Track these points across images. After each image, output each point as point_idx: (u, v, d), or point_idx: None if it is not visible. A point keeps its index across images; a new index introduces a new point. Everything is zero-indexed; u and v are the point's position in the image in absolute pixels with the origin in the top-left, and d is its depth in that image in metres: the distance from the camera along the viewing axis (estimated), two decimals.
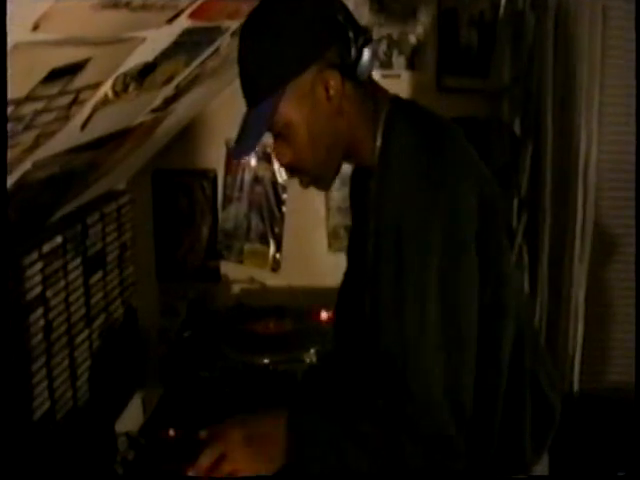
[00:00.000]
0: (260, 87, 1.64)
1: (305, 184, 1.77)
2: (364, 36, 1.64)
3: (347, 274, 2.07)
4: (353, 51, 1.62)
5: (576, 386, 3.06)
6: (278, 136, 1.69)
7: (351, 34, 1.61)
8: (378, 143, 1.68)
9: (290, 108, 1.63)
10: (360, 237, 1.87)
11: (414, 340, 1.58)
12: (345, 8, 1.67)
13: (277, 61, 1.61)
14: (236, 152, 1.77)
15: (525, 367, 1.78)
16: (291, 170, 1.75)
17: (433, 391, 1.57)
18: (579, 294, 2.99)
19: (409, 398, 1.58)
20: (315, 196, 3.05)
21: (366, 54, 1.63)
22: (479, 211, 1.62)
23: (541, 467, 1.90)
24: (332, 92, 1.62)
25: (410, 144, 1.64)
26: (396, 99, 1.75)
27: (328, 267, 3.07)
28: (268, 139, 1.72)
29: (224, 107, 2.94)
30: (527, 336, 1.80)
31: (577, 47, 2.79)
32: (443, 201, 1.58)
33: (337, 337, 2.12)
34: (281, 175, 3.06)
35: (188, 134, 3.06)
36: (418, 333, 1.57)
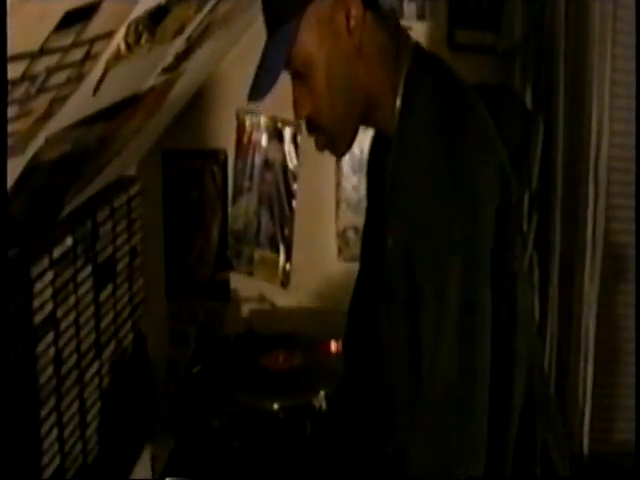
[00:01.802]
0: (281, 7, 1.62)
1: (321, 145, 1.74)
2: None
3: (360, 276, 2.03)
4: None
5: (586, 448, 2.98)
6: (296, 77, 1.67)
7: None
8: (397, 105, 1.63)
9: (309, 38, 1.60)
10: (375, 227, 1.85)
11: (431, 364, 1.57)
12: None
13: None
14: (253, 90, 1.68)
15: (536, 429, 1.74)
16: (309, 126, 1.72)
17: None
18: (590, 324, 2.91)
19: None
20: (325, 186, 3.06)
21: None
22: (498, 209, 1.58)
23: None
24: (353, 23, 1.58)
25: (431, 116, 1.59)
26: (418, 50, 1.69)
27: (339, 281, 3.02)
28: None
29: (233, 73, 2.93)
30: (539, 398, 1.77)
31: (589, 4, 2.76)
32: (462, 197, 1.53)
33: (347, 360, 2.10)
34: (291, 160, 3.07)
35: (198, 110, 3.05)
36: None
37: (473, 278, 1.53)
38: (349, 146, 1.73)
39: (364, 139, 2.79)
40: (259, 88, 1.65)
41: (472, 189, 1.53)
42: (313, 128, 1.70)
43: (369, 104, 1.66)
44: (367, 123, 1.74)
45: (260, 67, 1.63)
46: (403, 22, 2.76)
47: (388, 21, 1.65)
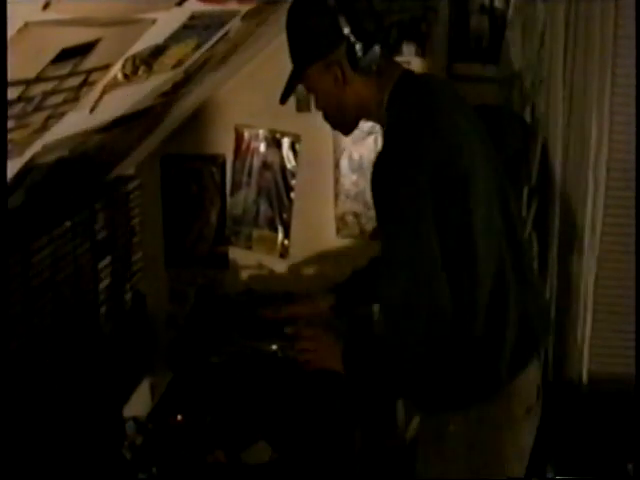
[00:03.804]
0: (296, 58, 2.14)
1: (332, 127, 2.24)
2: (369, 36, 2.00)
3: None
4: (358, 50, 1.99)
5: (585, 377, 3.06)
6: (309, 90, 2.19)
7: (353, 38, 1.99)
8: (383, 112, 2.07)
9: (311, 80, 2.11)
10: None
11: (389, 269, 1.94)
12: (352, 11, 2.01)
13: (296, 52, 2.12)
14: (283, 96, 2.18)
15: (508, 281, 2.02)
16: (324, 116, 2.21)
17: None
18: (589, 282, 2.98)
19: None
20: (324, 182, 3.08)
21: (370, 52, 2.00)
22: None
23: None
24: (340, 77, 2.05)
25: (402, 114, 2.01)
26: (403, 76, 2.09)
27: (336, 253, 3.09)
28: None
29: (233, 93, 2.91)
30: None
31: (588, 35, 2.77)
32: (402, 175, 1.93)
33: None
34: (289, 161, 3.07)
35: (197, 119, 3.06)
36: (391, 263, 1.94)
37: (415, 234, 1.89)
38: (351, 131, 2.23)
39: (362, 146, 2.89)
40: (285, 95, 2.17)
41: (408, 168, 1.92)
42: (325, 118, 2.20)
43: (363, 112, 2.13)
44: (371, 120, 2.19)
45: (288, 83, 2.15)
46: (402, 58, 2.79)
47: (370, 69, 2.05)
